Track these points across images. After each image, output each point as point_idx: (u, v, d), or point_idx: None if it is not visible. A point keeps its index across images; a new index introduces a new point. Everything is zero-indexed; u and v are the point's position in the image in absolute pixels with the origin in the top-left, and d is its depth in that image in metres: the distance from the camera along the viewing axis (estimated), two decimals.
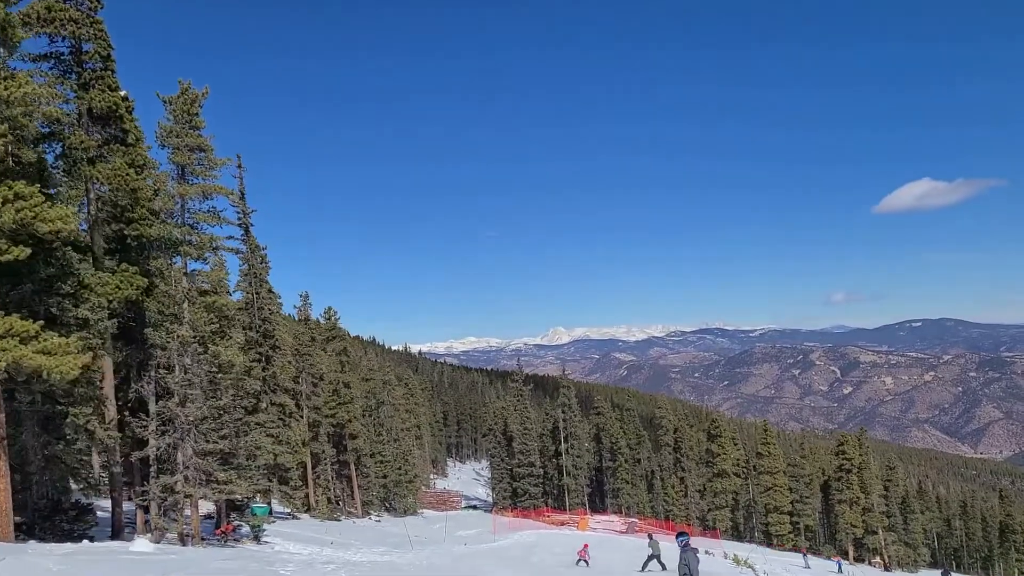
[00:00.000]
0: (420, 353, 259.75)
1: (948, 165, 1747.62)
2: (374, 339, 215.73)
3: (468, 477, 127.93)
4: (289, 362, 43.37)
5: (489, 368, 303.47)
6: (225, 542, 22.50)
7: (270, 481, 36.36)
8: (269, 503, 39.53)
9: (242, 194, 36.27)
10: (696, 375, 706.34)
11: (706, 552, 48.12)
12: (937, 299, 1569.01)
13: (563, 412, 75.31)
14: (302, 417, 47.63)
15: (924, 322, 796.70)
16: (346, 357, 54.75)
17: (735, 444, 76.56)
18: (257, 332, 36.06)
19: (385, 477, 64.86)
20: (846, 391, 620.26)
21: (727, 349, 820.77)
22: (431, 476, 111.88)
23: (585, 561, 26.70)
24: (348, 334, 57.78)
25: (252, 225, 36.93)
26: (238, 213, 36.33)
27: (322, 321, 57.96)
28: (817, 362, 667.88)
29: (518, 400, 76.19)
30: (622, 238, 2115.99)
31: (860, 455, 70.64)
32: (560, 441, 75.62)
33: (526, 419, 73.32)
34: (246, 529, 26.01)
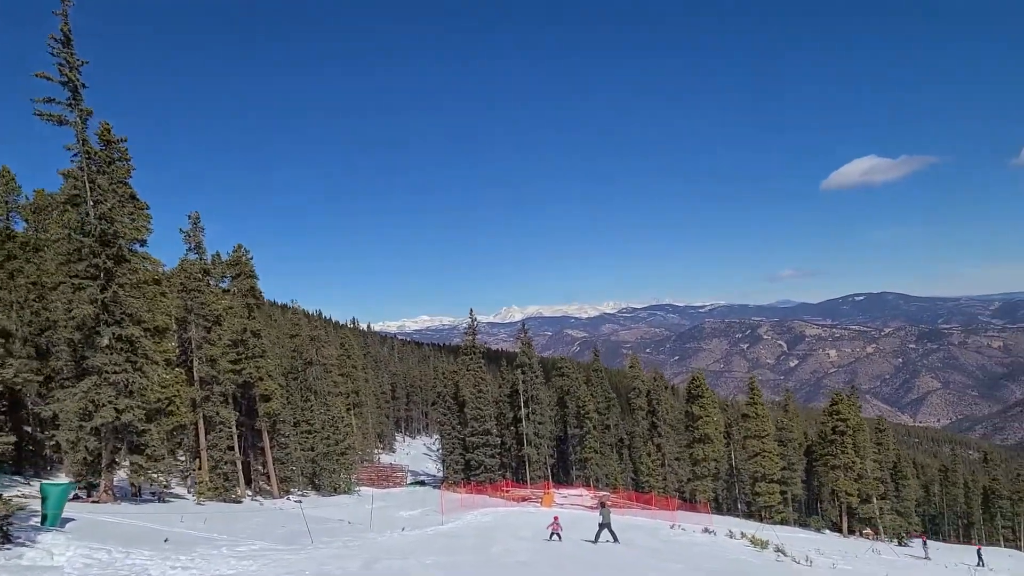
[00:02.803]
0: (369, 328, 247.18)
1: (894, 142, 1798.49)
2: (320, 312, 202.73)
3: (418, 452, 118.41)
4: (163, 293, 32.13)
5: (442, 344, 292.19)
6: None
7: (117, 447, 25.38)
8: (136, 480, 28.55)
9: (67, 38, 24.57)
10: (648, 350, 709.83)
11: (705, 531, 39.38)
12: (878, 274, 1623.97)
13: (523, 373, 65.62)
14: (191, 371, 36.57)
15: (866, 296, 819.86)
16: (255, 299, 43.35)
17: (716, 406, 68.21)
18: (91, 237, 24.70)
19: (312, 450, 54.21)
20: (792, 364, 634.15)
21: (677, 325, 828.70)
22: (376, 451, 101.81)
23: (558, 535, 24.60)
24: (260, 288, 46.04)
25: (84, 86, 25.33)
26: (59, 64, 24.70)
27: (225, 257, 46.39)
28: (765, 336, 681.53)
29: (471, 359, 65.86)
30: (573, 218, 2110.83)
31: (856, 416, 63.04)
32: (519, 407, 66.01)
33: (480, 380, 63.10)
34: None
